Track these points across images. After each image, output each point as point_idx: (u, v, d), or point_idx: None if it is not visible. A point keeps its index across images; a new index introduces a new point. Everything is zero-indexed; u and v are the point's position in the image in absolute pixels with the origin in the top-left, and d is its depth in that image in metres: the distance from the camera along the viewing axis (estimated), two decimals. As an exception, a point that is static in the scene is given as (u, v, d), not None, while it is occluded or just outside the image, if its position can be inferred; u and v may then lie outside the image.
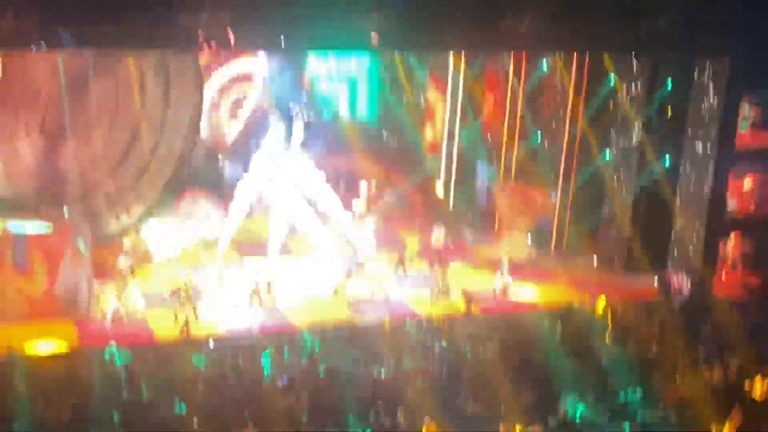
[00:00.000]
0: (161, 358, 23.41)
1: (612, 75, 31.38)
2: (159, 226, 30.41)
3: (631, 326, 26.52)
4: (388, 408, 20.42)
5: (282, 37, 24.23)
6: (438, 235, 32.06)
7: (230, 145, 37.64)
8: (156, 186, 30.19)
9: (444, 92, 37.38)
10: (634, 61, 30.57)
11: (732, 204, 31.38)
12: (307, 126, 32.49)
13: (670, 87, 30.29)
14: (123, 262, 27.84)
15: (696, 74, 29.31)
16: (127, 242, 28.98)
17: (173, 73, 29.42)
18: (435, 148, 38.36)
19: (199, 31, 23.18)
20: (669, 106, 30.40)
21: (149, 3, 22.65)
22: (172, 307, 25.95)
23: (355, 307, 27.75)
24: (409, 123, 40.06)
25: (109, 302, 25.90)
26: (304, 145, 30.81)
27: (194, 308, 25.94)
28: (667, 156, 30.56)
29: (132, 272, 27.82)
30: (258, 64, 37.18)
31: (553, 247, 33.25)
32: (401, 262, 30.25)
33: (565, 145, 33.12)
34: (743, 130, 31.50)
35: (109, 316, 25.58)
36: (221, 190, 32.56)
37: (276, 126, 30.86)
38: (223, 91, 37.37)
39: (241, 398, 21.00)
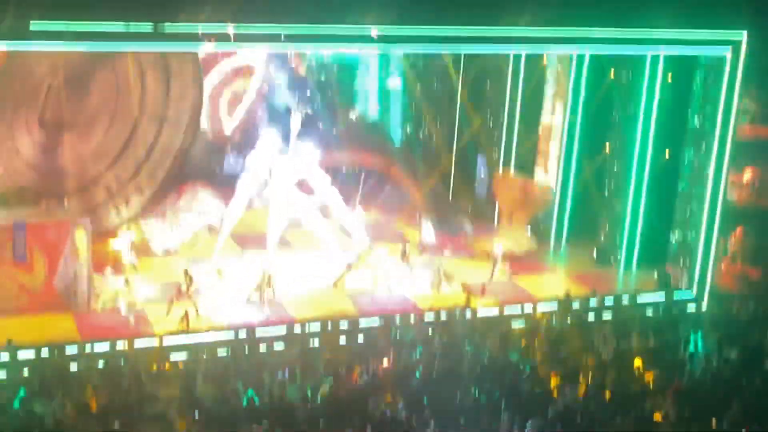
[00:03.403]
0: (159, 352, 23.46)
1: (611, 69, 31.40)
2: (158, 219, 30.41)
3: (628, 319, 26.59)
4: (388, 401, 20.43)
5: (282, 32, 24.25)
6: (438, 228, 32.02)
7: (230, 138, 37.65)
8: (156, 179, 30.21)
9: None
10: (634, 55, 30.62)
11: (732, 196, 31.40)
12: (307, 119, 32.51)
13: (670, 81, 30.28)
14: (124, 257, 27.86)
15: (696, 68, 29.32)
16: (127, 236, 28.95)
17: (173, 66, 29.40)
18: (436, 141, 38.43)
19: (200, 26, 23.25)
20: (669, 100, 30.39)
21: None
22: (173, 299, 25.96)
23: (355, 299, 27.78)
24: (409, 116, 40.13)
25: (109, 296, 25.92)
26: (303, 137, 30.80)
27: (194, 302, 25.95)
28: (667, 149, 30.57)
29: (134, 267, 27.91)
30: (258, 58, 37.19)
31: (552, 240, 33.29)
32: (405, 254, 30.24)
33: (564, 139, 33.19)
34: (743, 123, 31.53)
35: (102, 309, 25.55)
36: (221, 183, 32.55)
37: (275, 119, 30.86)
38: (222, 84, 37.39)
39: (240, 391, 21.02)
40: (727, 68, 28.18)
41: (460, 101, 36.78)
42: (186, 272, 26.92)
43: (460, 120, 37.00)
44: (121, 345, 23.61)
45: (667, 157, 30.57)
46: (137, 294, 26.54)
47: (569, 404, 20.63)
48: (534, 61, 34.09)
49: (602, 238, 32.36)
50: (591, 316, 27.17)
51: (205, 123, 35.11)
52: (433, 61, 37.16)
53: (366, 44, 26.68)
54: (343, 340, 25.04)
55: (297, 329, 25.19)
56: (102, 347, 23.47)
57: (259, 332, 24.73)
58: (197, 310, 25.52)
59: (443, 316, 26.10)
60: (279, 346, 24.52)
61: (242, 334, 24.56)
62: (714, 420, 20.19)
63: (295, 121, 30.61)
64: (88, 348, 23.43)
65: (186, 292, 26.37)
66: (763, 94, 34.09)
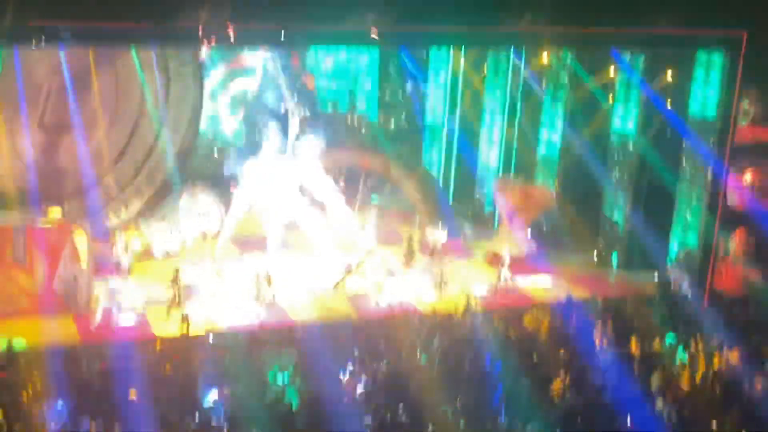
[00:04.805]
0: (160, 354, 23.44)
1: (610, 68, 31.40)
2: (158, 222, 30.38)
3: (628, 322, 26.55)
4: (388, 404, 20.41)
5: (282, 33, 24.23)
6: (438, 231, 32.01)
7: (229, 140, 37.57)
8: (155, 181, 30.19)
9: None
10: (632, 55, 30.61)
11: (732, 198, 31.39)
12: (307, 121, 32.48)
13: (669, 81, 30.29)
14: (124, 259, 27.84)
15: (695, 69, 29.31)
16: (122, 239, 28.82)
17: (173, 68, 29.39)
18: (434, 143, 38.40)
19: (200, 27, 23.23)
20: (668, 101, 30.40)
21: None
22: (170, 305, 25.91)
23: (355, 302, 27.74)
24: (409, 117, 40.08)
25: (106, 299, 25.88)
26: (303, 139, 30.78)
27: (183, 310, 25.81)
28: (667, 150, 30.56)
29: (133, 269, 27.84)
30: (258, 60, 37.12)
31: (552, 243, 33.25)
32: (409, 257, 30.15)
33: (562, 140, 33.19)
34: (743, 124, 31.54)
35: (102, 312, 25.48)
36: (221, 186, 32.53)
37: (275, 121, 30.84)
38: (222, 86, 37.33)
39: (240, 394, 21.00)
40: (727, 69, 28.18)
41: (460, 102, 36.78)
42: (174, 279, 26.43)
43: (460, 121, 36.96)
44: (122, 347, 23.55)
45: (666, 158, 30.57)
46: (137, 297, 26.49)
47: (570, 407, 20.64)
48: (532, 60, 34.14)
49: (602, 241, 32.33)
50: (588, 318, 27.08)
51: (204, 125, 35.05)
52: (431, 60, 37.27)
53: (366, 44, 26.65)
54: (342, 342, 24.94)
55: (297, 332, 25.15)
56: (102, 350, 23.42)
57: (259, 335, 24.65)
58: (188, 320, 25.29)
59: (443, 319, 26.03)
60: (279, 349, 24.44)
61: (242, 337, 24.50)
62: (714, 423, 20.19)
63: (295, 123, 30.58)
64: (88, 350, 23.38)
65: (175, 300, 26.15)
66: (762, 95, 34.07)
